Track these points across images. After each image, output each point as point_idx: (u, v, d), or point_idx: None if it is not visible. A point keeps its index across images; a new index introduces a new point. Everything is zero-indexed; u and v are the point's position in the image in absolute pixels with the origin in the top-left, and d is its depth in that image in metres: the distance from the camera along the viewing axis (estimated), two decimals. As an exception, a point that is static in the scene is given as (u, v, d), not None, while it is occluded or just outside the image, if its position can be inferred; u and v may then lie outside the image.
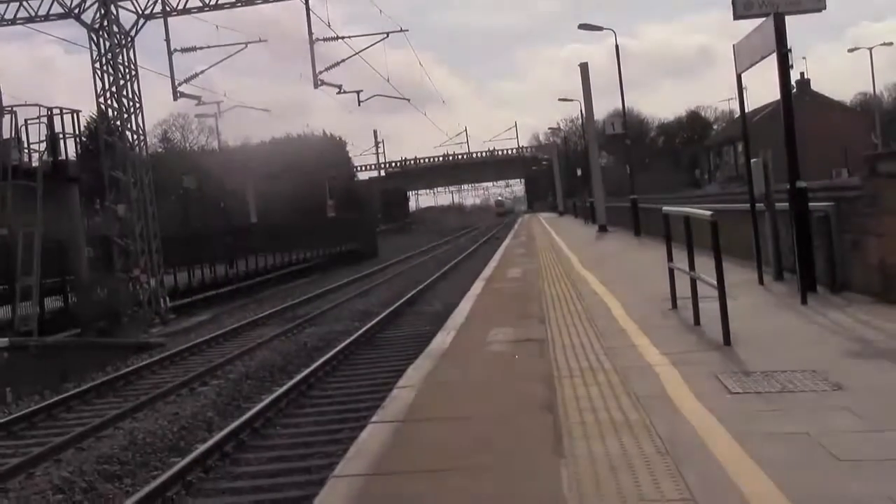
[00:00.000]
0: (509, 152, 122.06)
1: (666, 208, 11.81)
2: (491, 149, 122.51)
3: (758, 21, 12.35)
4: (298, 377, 15.41)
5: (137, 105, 27.69)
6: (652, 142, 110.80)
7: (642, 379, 7.55)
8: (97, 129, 30.15)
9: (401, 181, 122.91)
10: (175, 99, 30.01)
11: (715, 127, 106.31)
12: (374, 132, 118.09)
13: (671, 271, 11.54)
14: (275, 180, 52.59)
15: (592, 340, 9.80)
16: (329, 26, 58.71)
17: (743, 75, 13.41)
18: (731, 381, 7.13)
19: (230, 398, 15.05)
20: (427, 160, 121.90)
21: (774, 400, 6.47)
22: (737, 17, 13.08)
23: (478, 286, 18.01)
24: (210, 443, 11.38)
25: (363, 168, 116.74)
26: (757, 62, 12.50)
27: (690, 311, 10.13)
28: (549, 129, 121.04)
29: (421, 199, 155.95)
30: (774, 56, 11.54)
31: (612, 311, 12.13)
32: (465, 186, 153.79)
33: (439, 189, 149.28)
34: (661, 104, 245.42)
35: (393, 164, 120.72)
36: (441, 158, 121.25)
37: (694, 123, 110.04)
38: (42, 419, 14.90)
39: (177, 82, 29.62)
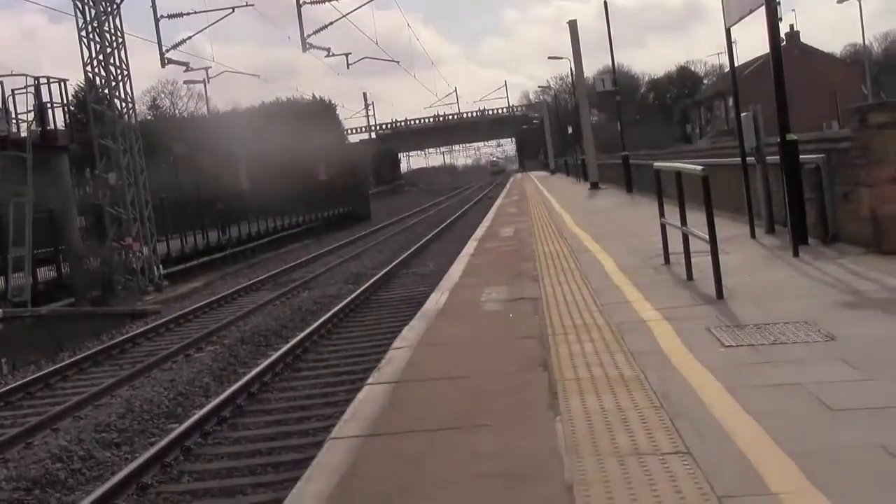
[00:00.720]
0: (500, 112, 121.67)
1: (657, 164, 11.81)
2: (481, 109, 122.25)
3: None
4: (294, 341, 15.43)
5: (125, 73, 27.50)
6: (643, 98, 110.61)
7: (636, 334, 7.58)
8: (85, 97, 29.96)
9: (392, 143, 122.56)
10: (163, 66, 29.95)
11: (705, 81, 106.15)
12: (364, 95, 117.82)
13: (663, 227, 11.54)
14: (265, 145, 52.34)
15: (586, 297, 9.82)
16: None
17: (732, 29, 13.37)
18: (724, 335, 7.16)
19: (226, 364, 15.09)
20: (417, 121, 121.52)
21: (767, 352, 6.50)
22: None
23: (471, 246, 18.01)
24: (207, 408, 11.41)
25: (354, 131, 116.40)
26: (746, 16, 12.45)
27: (683, 266, 10.15)
28: (540, 87, 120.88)
29: (412, 161, 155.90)
30: (763, 9, 11.50)
31: (604, 267, 12.16)
32: (456, 147, 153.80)
33: (430, 150, 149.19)
34: (650, 60, 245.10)
35: (383, 127, 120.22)
36: (431, 119, 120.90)
37: (684, 79, 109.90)
38: (39, 389, 14.93)
39: (164, 49, 29.37)
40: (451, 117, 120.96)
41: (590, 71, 68.06)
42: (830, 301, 8.11)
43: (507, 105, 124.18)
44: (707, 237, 8.78)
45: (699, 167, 8.98)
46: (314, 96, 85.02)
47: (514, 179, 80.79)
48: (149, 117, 74.18)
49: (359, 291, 20.96)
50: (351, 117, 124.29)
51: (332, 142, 72.69)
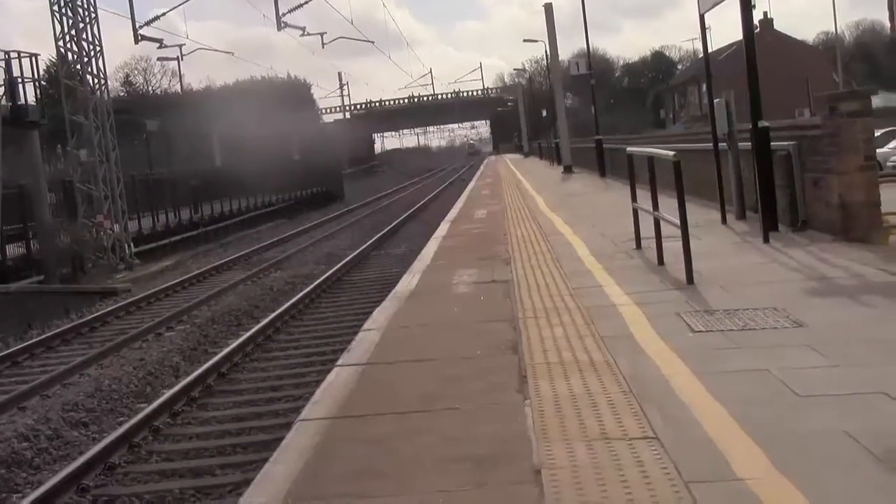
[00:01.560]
0: (475, 94, 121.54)
1: (630, 149, 11.82)
2: (456, 90, 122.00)
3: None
4: (264, 321, 15.37)
5: (98, 48, 27.18)
6: (617, 82, 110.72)
7: (606, 319, 7.60)
8: (57, 73, 29.65)
9: (366, 123, 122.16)
10: (136, 42, 29.61)
11: (679, 67, 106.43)
12: (339, 74, 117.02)
13: (635, 212, 11.58)
14: (239, 123, 52.07)
15: (557, 281, 9.84)
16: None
17: (706, 15, 13.40)
18: (694, 320, 7.19)
19: (196, 343, 15.03)
20: (392, 102, 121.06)
21: (736, 338, 6.53)
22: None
23: (443, 228, 18.01)
24: (176, 388, 11.35)
25: (328, 111, 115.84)
26: (720, 2, 12.51)
27: (655, 251, 10.20)
28: (515, 70, 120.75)
29: (386, 142, 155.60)
30: (737, -4, 11.54)
31: (576, 251, 12.18)
32: (430, 128, 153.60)
33: (405, 131, 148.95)
34: (625, 45, 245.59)
35: (358, 107, 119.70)
36: (406, 101, 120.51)
37: (658, 63, 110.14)
38: (6, 367, 14.79)
39: (137, 25, 29.06)
40: (425, 98, 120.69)
41: (565, 54, 68.10)
42: (799, 288, 8.16)
43: (482, 87, 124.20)
44: (678, 223, 8.79)
45: (671, 153, 8.98)
46: (289, 75, 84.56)
47: (489, 161, 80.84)
48: (122, 94, 73.62)
49: (331, 272, 20.90)
50: (326, 97, 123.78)
51: (307, 121, 72.44)
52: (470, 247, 14.19)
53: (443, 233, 16.94)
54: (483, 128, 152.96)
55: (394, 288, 10.92)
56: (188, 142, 47.54)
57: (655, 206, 10.11)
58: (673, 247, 9.45)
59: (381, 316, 8.87)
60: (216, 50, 58.20)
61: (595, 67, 41.81)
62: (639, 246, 11.47)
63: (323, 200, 55.11)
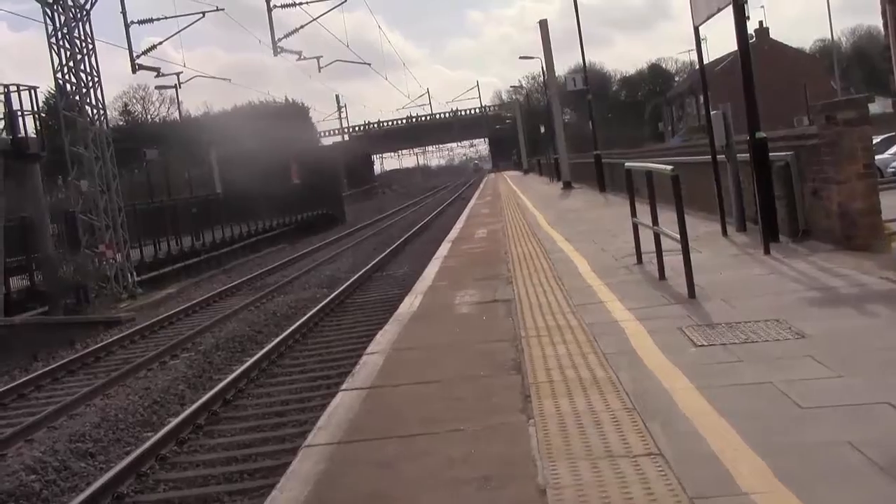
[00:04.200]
0: (472, 112, 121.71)
1: (628, 164, 11.84)
2: (454, 109, 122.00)
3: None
4: (268, 346, 15.39)
5: (96, 79, 27.28)
6: (615, 95, 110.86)
7: (609, 336, 7.61)
8: (56, 104, 29.75)
9: (365, 145, 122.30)
10: (134, 72, 29.71)
11: (677, 79, 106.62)
12: (337, 97, 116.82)
13: (635, 227, 11.58)
14: (238, 148, 52.17)
15: (559, 299, 9.85)
16: None
17: (702, 27, 13.43)
18: (696, 334, 7.20)
19: (201, 370, 15.03)
20: (390, 123, 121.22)
21: (738, 351, 6.54)
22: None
23: (444, 248, 18.02)
24: (182, 416, 11.37)
25: (327, 133, 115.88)
26: (714, 14, 12.50)
27: (655, 265, 10.21)
28: (511, 87, 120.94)
29: (386, 163, 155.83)
30: (731, 7, 11.56)
31: (578, 267, 12.18)
32: (429, 148, 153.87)
33: (404, 151, 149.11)
34: (620, 58, 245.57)
35: (356, 129, 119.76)
36: (404, 121, 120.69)
37: (655, 76, 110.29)
38: (13, 399, 14.81)
39: (135, 54, 29.18)
40: (423, 118, 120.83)
41: (561, 69, 68.14)
42: (801, 298, 8.16)
43: (479, 105, 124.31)
44: (678, 237, 8.81)
45: (669, 167, 9.01)
46: (287, 99, 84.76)
47: (488, 179, 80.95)
48: (121, 123, 73.87)
49: (333, 295, 20.90)
50: (324, 120, 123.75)
51: (306, 144, 72.54)
52: (471, 266, 14.20)
53: (444, 253, 16.95)
54: (482, 146, 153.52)
55: (396, 310, 10.93)
56: (188, 168, 47.59)
57: (655, 220, 10.12)
58: (674, 261, 9.47)
59: (383, 339, 8.89)
60: (214, 77, 57.83)
61: (591, 82, 41.89)
62: (640, 261, 11.48)
63: (324, 223, 55.14)
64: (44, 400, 14.63)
